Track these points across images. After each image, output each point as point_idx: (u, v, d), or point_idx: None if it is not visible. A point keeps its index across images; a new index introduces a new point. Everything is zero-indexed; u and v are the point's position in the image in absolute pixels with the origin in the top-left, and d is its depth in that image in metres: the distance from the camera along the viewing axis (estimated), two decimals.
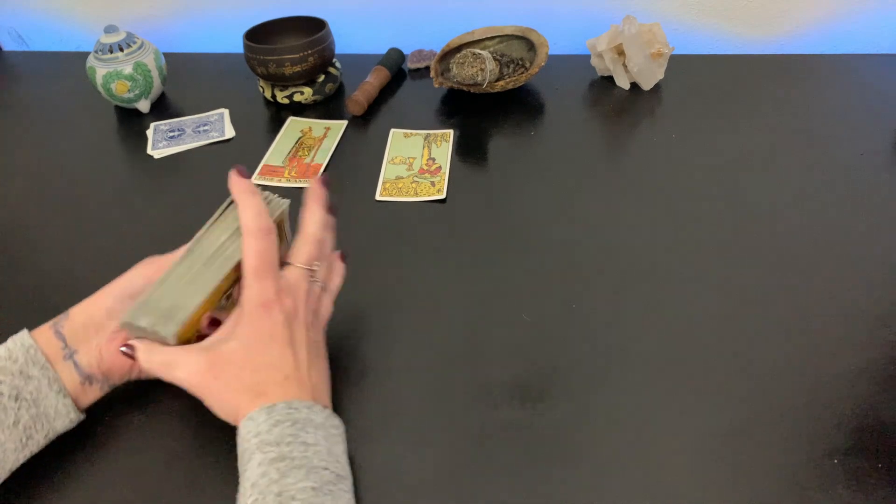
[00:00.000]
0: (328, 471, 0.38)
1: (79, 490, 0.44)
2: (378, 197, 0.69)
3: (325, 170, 0.73)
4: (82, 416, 0.45)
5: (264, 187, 0.71)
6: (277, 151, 0.77)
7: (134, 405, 0.49)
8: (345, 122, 0.81)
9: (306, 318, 0.44)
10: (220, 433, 0.44)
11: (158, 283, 0.43)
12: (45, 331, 0.44)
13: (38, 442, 0.43)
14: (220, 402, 0.41)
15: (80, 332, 0.44)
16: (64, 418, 0.44)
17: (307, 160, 0.75)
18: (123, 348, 0.43)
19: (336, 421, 0.42)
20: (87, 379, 0.45)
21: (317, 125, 0.81)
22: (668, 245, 0.61)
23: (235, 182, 0.45)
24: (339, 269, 0.50)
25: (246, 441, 0.39)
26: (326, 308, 0.48)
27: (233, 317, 0.43)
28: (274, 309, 0.42)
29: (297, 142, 0.78)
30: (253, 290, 0.42)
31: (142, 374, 0.47)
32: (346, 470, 0.40)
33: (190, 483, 0.44)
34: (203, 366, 0.41)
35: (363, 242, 0.62)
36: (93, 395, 0.45)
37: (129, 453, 0.46)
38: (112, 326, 0.45)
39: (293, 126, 0.81)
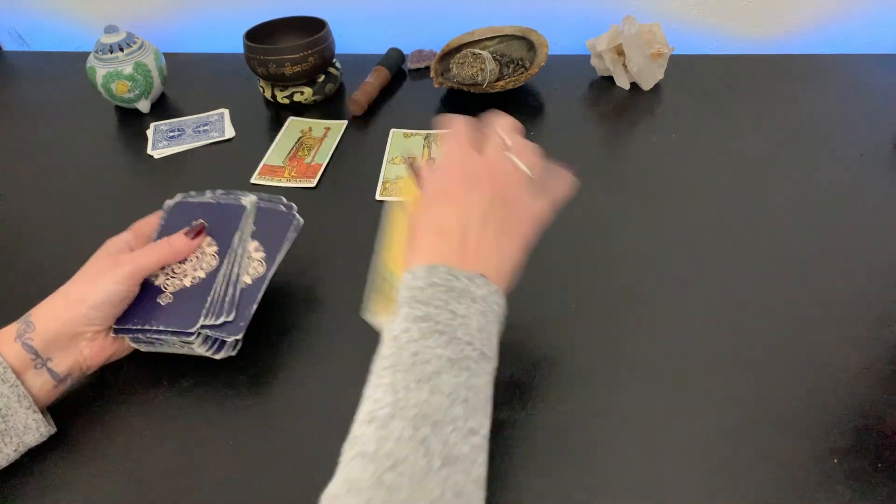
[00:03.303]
0: (471, 346, 0.36)
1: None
2: (378, 197, 0.69)
3: (325, 170, 0.73)
4: (53, 430, 0.46)
5: (264, 188, 0.71)
6: (278, 151, 0.77)
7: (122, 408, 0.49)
8: (345, 122, 0.81)
9: (497, 194, 0.41)
10: (219, 432, 0.44)
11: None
12: (10, 344, 0.45)
13: (7, 455, 0.44)
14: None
15: (54, 342, 0.46)
16: (34, 432, 0.44)
17: (307, 160, 0.75)
18: None
19: (498, 299, 0.39)
20: (63, 380, 0.47)
21: (317, 125, 0.81)
22: (667, 244, 0.61)
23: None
24: (564, 177, 0.47)
25: (401, 292, 0.38)
26: (541, 207, 0.44)
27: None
28: (460, 171, 0.42)
29: (297, 142, 0.78)
30: (450, 149, 0.43)
31: (113, 358, 0.50)
32: (492, 350, 0.38)
33: (190, 484, 0.44)
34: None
35: (363, 242, 0.62)
36: (65, 389, 0.48)
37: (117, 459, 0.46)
38: (89, 332, 0.47)
39: (293, 126, 0.81)
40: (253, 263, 0.52)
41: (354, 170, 0.73)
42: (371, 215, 0.66)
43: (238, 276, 0.51)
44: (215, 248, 0.51)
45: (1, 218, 0.70)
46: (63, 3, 1.03)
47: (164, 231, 0.52)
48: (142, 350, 0.51)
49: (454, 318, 0.36)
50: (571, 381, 0.49)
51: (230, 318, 0.49)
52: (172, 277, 0.50)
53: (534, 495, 0.42)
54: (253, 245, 0.52)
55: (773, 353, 0.50)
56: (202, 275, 0.50)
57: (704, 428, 0.46)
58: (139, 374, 0.51)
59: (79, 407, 0.49)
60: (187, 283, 0.50)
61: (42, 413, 0.45)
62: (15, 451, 0.44)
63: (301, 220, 0.55)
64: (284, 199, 0.55)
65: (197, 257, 0.51)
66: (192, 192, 0.56)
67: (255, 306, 0.50)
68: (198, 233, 0.51)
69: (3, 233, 0.67)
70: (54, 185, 0.74)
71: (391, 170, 0.72)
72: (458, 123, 0.45)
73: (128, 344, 0.50)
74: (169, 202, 0.55)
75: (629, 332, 0.52)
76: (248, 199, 0.54)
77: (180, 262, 0.51)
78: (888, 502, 0.41)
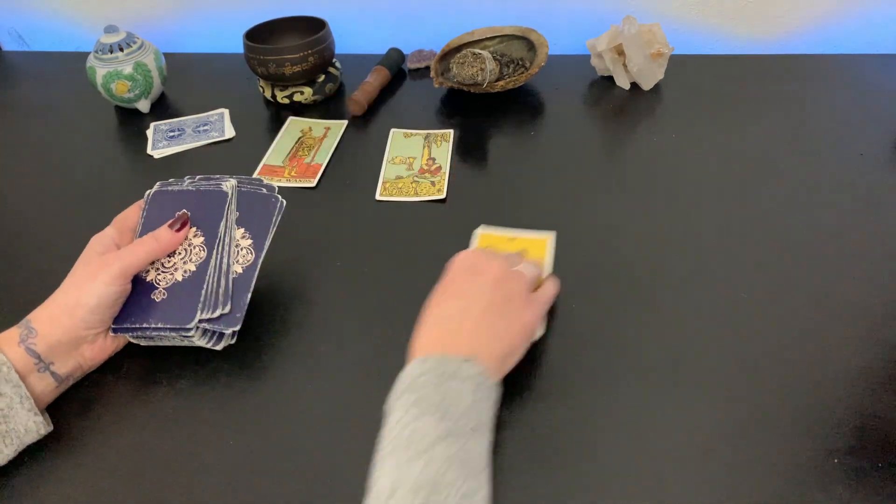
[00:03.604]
0: (463, 420, 0.39)
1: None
2: (378, 197, 0.69)
3: (325, 170, 0.73)
4: (50, 429, 0.46)
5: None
6: (277, 151, 0.77)
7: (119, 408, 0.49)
8: (345, 122, 0.81)
9: (500, 283, 0.46)
10: (215, 434, 0.44)
11: None
12: (14, 348, 0.45)
13: (7, 455, 0.44)
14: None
15: (57, 347, 0.46)
16: (34, 434, 0.45)
17: (307, 160, 0.75)
18: None
19: (488, 381, 0.42)
20: (65, 381, 0.48)
21: (317, 125, 0.81)
22: (667, 244, 0.61)
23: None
24: (550, 282, 0.52)
25: (400, 381, 0.41)
26: (533, 313, 0.47)
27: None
28: (469, 266, 0.47)
29: (297, 141, 0.78)
30: (461, 255, 0.49)
31: (113, 353, 0.51)
32: (485, 424, 0.40)
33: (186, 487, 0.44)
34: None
35: (363, 242, 0.63)
36: (66, 387, 0.49)
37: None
38: (90, 335, 0.48)
39: (293, 126, 0.81)
40: (242, 251, 0.52)
41: (354, 170, 0.73)
42: (371, 215, 0.66)
43: (229, 265, 0.51)
44: (202, 239, 0.51)
45: (0, 218, 0.70)
46: (63, 3, 1.03)
47: (147, 223, 0.52)
48: (142, 345, 0.51)
49: (445, 399, 0.39)
50: (571, 381, 0.49)
51: (226, 311, 0.49)
52: (164, 272, 0.50)
53: (534, 495, 0.42)
54: (239, 232, 0.52)
55: (772, 353, 0.50)
56: (192, 267, 0.50)
57: (705, 428, 0.46)
58: (138, 373, 0.51)
59: (78, 406, 0.49)
60: (179, 276, 0.50)
61: (42, 414, 0.45)
62: (15, 451, 0.44)
63: (284, 201, 0.54)
64: (265, 181, 0.55)
65: (185, 250, 0.51)
66: (172, 180, 0.55)
67: (248, 295, 0.50)
68: (182, 224, 0.51)
69: (2, 233, 0.67)
70: (54, 186, 0.74)
71: (391, 170, 0.72)
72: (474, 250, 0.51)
73: (126, 339, 0.51)
74: (149, 192, 0.55)
75: (629, 332, 0.52)
76: (229, 184, 0.54)
77: (169, 256, 0.51)
78: (888, 502, 0.41)
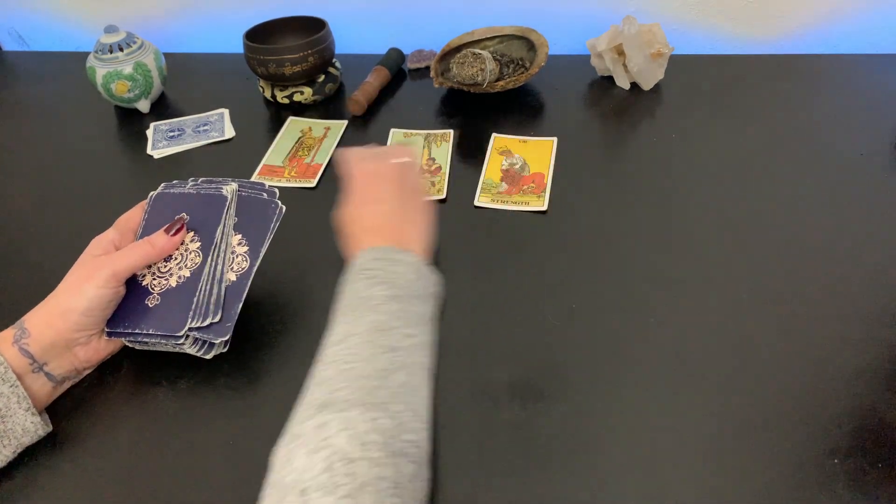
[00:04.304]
0: (407, 289, 0.45)
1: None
2: None
3: (325, 170, 0.73)
4: (49, 430, 0.46)
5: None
6: (277, 151, 0.77)
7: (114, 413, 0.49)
8: (345, 122, 0.81)
9: (402, 183, 0.53)
10: (213, 432, 0.44)
11: None
12: (8, 347, 0.45)
13: (6, 457, 0.44)
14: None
15: (50, 349, 0.46)
16: (32, 434, 0.45)
17: (307, 160, 0.75)
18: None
19: (425, 265, 0.48)
20: (61, 382, 0.48)
21: (317, 125, 0.81)
22: (667, 244, 0.61)
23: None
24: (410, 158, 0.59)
25: (351, 270, 0.47)
26: (426, 195, 0.57)
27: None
28: (372, 174, 0.54)
29: (297, 142, 0.78)
30: (356, 166, 0.54)
31: (109, 355, 0.52)
32: (427, 295, 0.47)
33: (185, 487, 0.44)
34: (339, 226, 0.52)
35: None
36: (63, 390, 0.49)
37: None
38: (84, 337, 0.48)
39: (293, 126, 0.81)
40: (237, 258, 0.51)
41: None
42: None
43: (222, 273, 0.50)
44: (199, 245, 0.51)
45: (0, 218, 0.70)
46: (63, 3, 1.03)
47: (148, 225, 0.52)
48: (136, 349, 0.51)
49: (393, 275, 0.45)
50: (571, 381, 0.49)
51: (216, 320, 0.48)
52: (159, 277, 0.50)
53: (534, 495, 0.42)
54: (236, 238, 0.52)
55: (772, 353, 0.50)
56: (187, 273, 0.50)
57: (704, 428, 0.46)
58: (139, 374, 0.51)
59: (78, 407, 0.49)
60: (173, 282, 0.50)
61: (40, 415, 0.45)
62: (13, 452, 0.44)
63: (283, 207, 0.54)
64: (267, 186, 0.55)
65: (182, 255, 0.51)
66: (176, 182, 0.55)
67: (240, 304, 0.49)
68: (178, 230, 0.51)
69: (2, 233, 0.67)
70: (54, 186, 0.74)
71: None
72: (351, 150, 0.57)
73: (122, 342, 0.51)
74: (152, 193, 0.55)
75: (629, 333, 0.52)
76: (229, 188, 0.53)
77: (165, 261, 0.51)
78: (888, 502, 0.41)
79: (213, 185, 0.54)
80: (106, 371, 0.51)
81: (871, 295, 0.55)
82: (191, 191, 0.54)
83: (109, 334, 0.49)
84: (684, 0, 0.93)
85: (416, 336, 0.43)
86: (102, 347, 0.50)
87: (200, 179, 0.55)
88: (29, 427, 0.44)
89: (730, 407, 0.47)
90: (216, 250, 0.51)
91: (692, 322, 0.53)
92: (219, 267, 0.50)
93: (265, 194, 0.54)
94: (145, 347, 0.51)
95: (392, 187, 0.52)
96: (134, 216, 0.53)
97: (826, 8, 0.92)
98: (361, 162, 0.55)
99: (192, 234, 0.52)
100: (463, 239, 0.62)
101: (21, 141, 0.82)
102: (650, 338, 0.52)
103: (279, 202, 0.54)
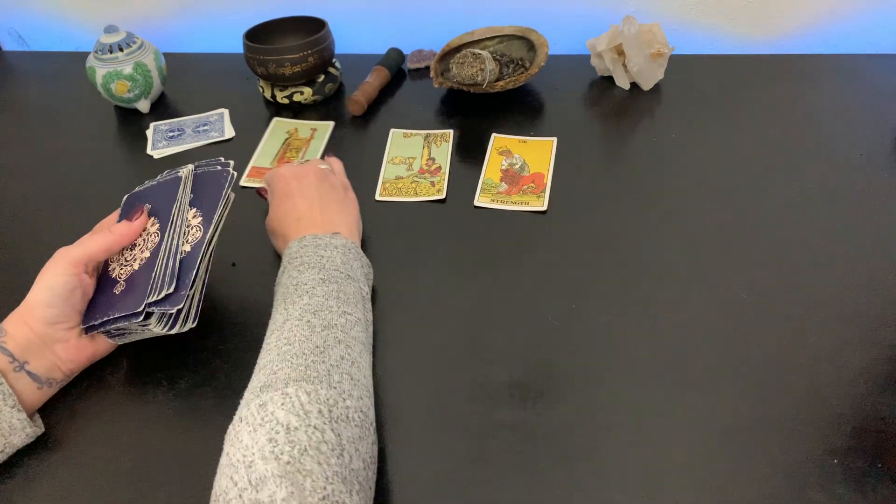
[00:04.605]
0: (337, 271, 0.49)
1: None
2: (378, 197, 0.69)
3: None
4: (40, 431, 0.46)
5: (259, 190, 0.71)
6: (265, 153, 0.77)
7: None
8: (331, 124, 0.81)
9: (321, 178, 0.58)
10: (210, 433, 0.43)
11: None
12: None
13: None
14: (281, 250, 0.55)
15: (27, 347, 0.46)
16: (20, 433, 0.44)
17: (296, 161, 0.75)
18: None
19: (353, 246, 0.53)
20: (47, 383, 0.47)
21: (302, 126, 0.81)
22: (667, 244, 0.61)
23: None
24: (335, 163, 0.65)
25: (284, 259, 0.51)
26: (351, 191, 0.62)
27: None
28: (290, 174, 0.58)
29: (284, 143, 0.78)
30: (276, 171, 0.60)
31: (95, 357, 0.50)
32: (356, 275, 0.50)
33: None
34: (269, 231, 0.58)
35: (363, 242, 0.62)
36: (52, 393, 0.48)
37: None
38: (59, 333, 0.47)
39: (278, 127, 0.81)
40: (192, 230, 0.51)
41: (354, 170, 0.73)
42: (371, 215, 0.66)
43: (178, 246, 0.49)
44: (157, 226, 0.51)
45: (0, 217, 0.70)
46: (63, 3, 1.03)
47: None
48: (119, 343, 0.51)
49: (322, 259, 0.49)
50: (571, 381, 0.49)
51: (170, 290, 0.47)
52: (125, 265, 0.50)
53: (534, 495, 0.42)
54: (191, 213, 0.52)
55: (773, 353, 0.50)
56: (147, 254, 0.50)
57: (704, 428, 0.46)
58: (139, 374, 0.51)
59: (78, 407, 0.49)
60: (136, 266, 0.50)
61: (30, 417, 0.45)
62: (2, 452, 0.44)
63: (235, 174, 0.53)
64: (223, 159, 0.55)
65: (143, 240, 0.51)
66: (146, 181, 0.56)
67: (193, 272, 0.48)
68: (138, 216, 0.51)
69: (2, 232, 0.67)
70: (54, 186, 0.74)
71: (391, 170, 0.72)
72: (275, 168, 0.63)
73: (107, 341, 0.51)
74: (125, 196, 0.55)
75: (629, 333, 0.52)
76: (185, 170, 0.54)
77: (130, 249, 0.51)
78: (888, 502, 0.41)
79: (172, 172, 0.55)
80: (106, 371, 0.51)
81: (872, 295, 0.55)
82: (153, 183, 0.55)
83: (86, 330, 0.49)
84: (684, 0, 0.93)
85: (352, 314, 0.46)
86: (84, 346, 0.49)
87: (165, 171, 0.56)
88: (15, 424, 0.44)
89: (730, 407, 0.47)
90: (172, 227, 0.51)
91: (692, 321, 0.53)
92: (174, 241, 0.50)
93: (219, 167, 0.54)
94: (124, 340, 0.51)
95: (311, 182, 0.57)
96: (111, 219, 0.54)
97: (826, 8, 0.92)
98: (281, 169, 0.60)
99: (152, 219, 0.52)
100: (463, 239, 0.63)
101: (21, 141, 0.82)
102: (650, 338, 0.52)
103: (231, 169, 0.54)
